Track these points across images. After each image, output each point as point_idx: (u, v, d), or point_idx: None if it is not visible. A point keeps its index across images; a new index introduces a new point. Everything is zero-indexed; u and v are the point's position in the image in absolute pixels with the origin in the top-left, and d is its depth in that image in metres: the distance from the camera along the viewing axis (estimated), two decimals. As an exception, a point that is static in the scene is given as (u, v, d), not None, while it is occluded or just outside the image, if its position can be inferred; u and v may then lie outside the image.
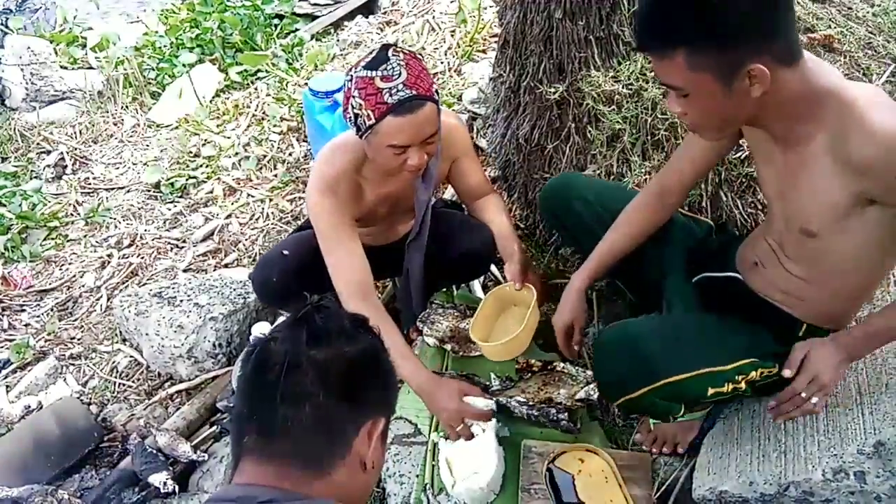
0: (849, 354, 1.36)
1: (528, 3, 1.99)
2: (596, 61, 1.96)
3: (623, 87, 1.91)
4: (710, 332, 1.51)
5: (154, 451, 1.91)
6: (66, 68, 4.25)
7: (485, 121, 2.89)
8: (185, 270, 2.79)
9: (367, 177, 1.76)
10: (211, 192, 3.19)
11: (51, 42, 4.37)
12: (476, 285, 2.29)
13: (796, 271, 1.43)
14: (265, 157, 3.31)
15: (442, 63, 3.47)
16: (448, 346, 1.97)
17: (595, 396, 1.71)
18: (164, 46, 4.23)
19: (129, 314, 2.34)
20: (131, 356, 2.43)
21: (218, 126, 3.58)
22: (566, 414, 1.71)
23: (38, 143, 3.65)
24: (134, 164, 3.46)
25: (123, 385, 2.35)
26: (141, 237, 3.00)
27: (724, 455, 1.57)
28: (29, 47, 4.05)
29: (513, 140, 2.28)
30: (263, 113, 3.59)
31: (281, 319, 2.01)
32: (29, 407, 2.25)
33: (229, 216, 3.03)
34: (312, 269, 1.78)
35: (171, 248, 2.94)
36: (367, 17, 4.42)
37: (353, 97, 1.54)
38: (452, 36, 3.81)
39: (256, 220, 3.00)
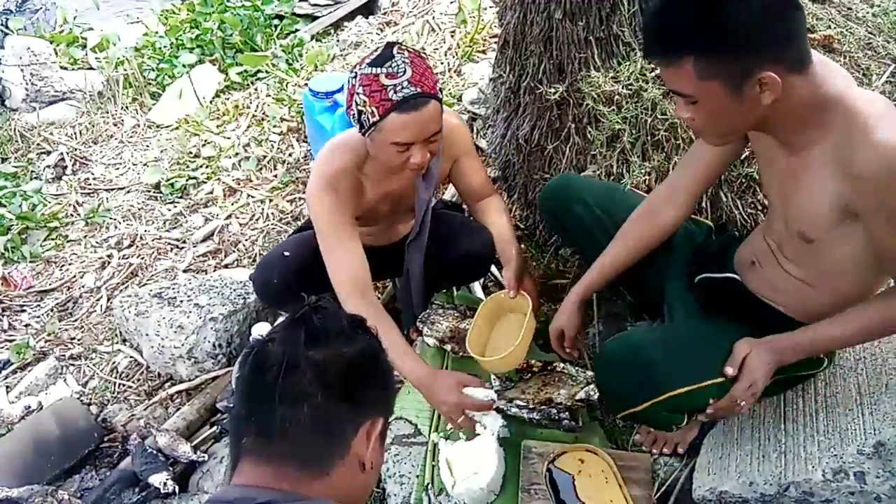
0: (778, 361, 1.38)
1: (528, 3, 1.99)
2: (596, 62, 1.95)
3: (623, 88, 1.91)
4: (711, 342, 1.50)
5: (154, 452, 1.91)
6: (66, 69, 4.25)
7: (485, 121, 2.89)
8: (185, 271, 2.79)
9: (368, 175, 1.76)
10: (211, 192, 3.19)
11: (51, 42, 4.37)
12: (476, 286, 2.29)
13: (794, 272, 1.43)
14: (265, 157, 3.31)
15: (442, 63, 3.48)
16: (448, 347, 1.97)
17: (595, 396, 1.71)
18: (165, 47, 4.23)
19: (130, 315, 2.34)
20: (131, 356, 2.43)
21: (218, 126, 3.59)
22: (567, 413, 1.72)
23: (38, 144, 3.65)
24: (134, 164, 3.46)
25: (123, 385, 2.35)
26: (141, 238, 3.00)
27: (724, 455, 1.57)
28: (29, 48, 4.06)
29: (513, 140, 2.28)
30: (263, 113, 3.59)
31: (280, 320, 2.01)
32: (29, 407, 2.25)
33: (229, 217, 3.03)
34: (313, 271, 1.78)
35: (171, 249, 2.94)
36: (366, 18, 4.42)
37: (358, 94, 1.54)
38: (452, 36, 3.81)
39: (256, 220, 3.00)
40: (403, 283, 2.05)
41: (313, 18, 4.49)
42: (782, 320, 1.49)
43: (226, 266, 2.78)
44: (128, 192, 3.30)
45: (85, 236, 3.07)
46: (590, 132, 1.98)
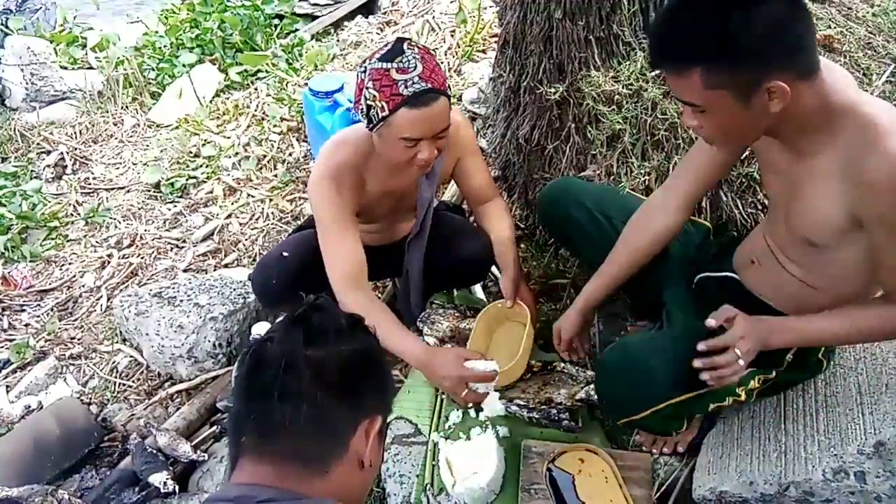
0: (766, 338, 1.36)
1: (528, 3, 1.99)
2: (596, 61, 1.96)
3: (623, 88, 1.91)
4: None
5: (154, 451, 1.91)
6: (66, 68, 4.25)
7: (485, 121, 2.89)
8: (185, 270, 2.79)
9: (371, 171, 1.76)
10: (211, 192, 3.19)
11: (51, 42, 4.37)
12: (476, 287, 2.29)
13: (796, 272, 1.43)
14: (265, 157, 3.31)
15: (442, 63, 3.47)
16: (448, 346, 1.97)
17: (595, 396, 1.71)
18: (164, 46, 4.23)
19: (129, 314, 2.34)
20: (131, 356, 2.43)
21: (218, 126, 3.58)
22: (567, 413, 1.72)
23: (38, 144, 3.65)
24: (134, 164, 3.46)
25: (123, 385, 2.35)
26: (141, 237, 3.00)
27: (724, 455, 1.57)
28: (29, 47, 4.05)
29: (513, 140, 2.28)
30: (263, 113, 3.59)
31: (279, 319, 2.01)
32: (29, 407, 2.25)
33: (229, 216, 3.03)
34: (312, 271, 1.78)
35: (171, 248, 2.94)
36: (366, 18, 4.42)
37: (367, 88, 1.53)
38: (452, 36, 3.82)
39: (256, 220, 3.00)
40: (403, 283, 2.05)
41: (313, 18, 4.49)
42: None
43: (226, 266, 2.78)
44: (128, 191, 3.30)
45: (85, 236, 3.07)
46: (590, 132, 1.98)
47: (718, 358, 1.34)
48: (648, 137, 1.90)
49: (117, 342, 2.49)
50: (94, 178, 3.42)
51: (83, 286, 2.80)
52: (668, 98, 1.87)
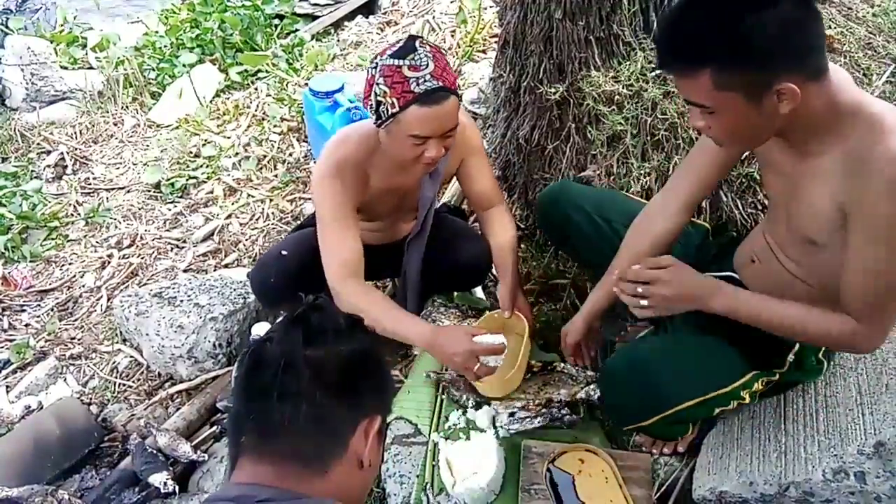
0: (706, 297, 1.39)
1: (528, 3, 1.99)
2: (596, 62, 1.96)
3: (623, 88, 1.91)
4: (714, 352, 1.51)
5: (154, 452, 1.91)
6: (66, 68, 4.25)
7: (485, 121, 2.89)
8: (185, 270, 2.79)
9: (375, 167, 1.76)
10: (211, 192, 3.19)
11: (51, 42, 4.37)
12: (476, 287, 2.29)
13: (795, 271, 1.43)
14: (265, 157, 3.31)
15: (442, 63, 3.47)
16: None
17: (595, 396, 1.71)
18: (165, 46, 4.23)
19: (130, 314, 2.34)
20: (131, 356, 2.43)
21: (218, 126, 3.59)
22: (567, 409, 1.72)
23: (38, 144, 3.65)
24: (134, 164, 3.46)
25: (123, 385, 2.35)
26: (141, 237, 3.00)
27: (724, 455, 1.57)
28: (29, 47, 4.05)
29: (513, 140, 2.28)
30: (264, 113, 3.59)
31: (279, 319, 2.01)
32: (29, 407, 2.25)
33: (229, 216, 3.03)
34: (312, 270, 1.78)
35: (172, 249, 2.94)
36: (367, 18, 4.42)
37: (378, 84, 1.53)
38: (453, 36, 3.82)
39: (257, 220, 3.00)
40: (401, 283, 2.05)
41: (313, 18, 4.49)
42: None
43: (226, 266, 2.78)
44: (128, 191, 3.30)
45: (85, 236, 3.07)
46: (590, 132, 1.98)
47: (626, 285, 1.41)
48: (648, 138, 1.90)
49: (117, 342, 2.49)
50: (94, 179, 3.42)
51: (83, 286, 2.80)
52: (668, 98, 1.87)
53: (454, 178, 2.00)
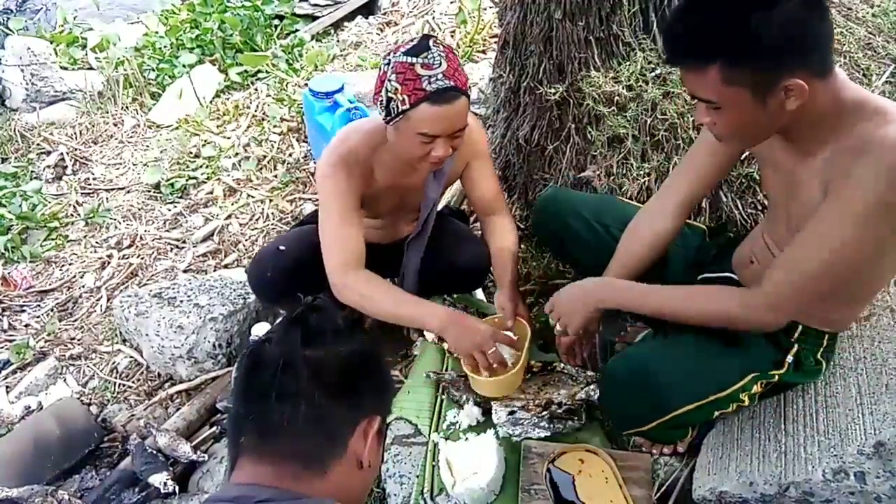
0: (597, 301, 1.54)
1: (528, 3, 2.00)
2: (596, 62, 1.96)
3: (623, 88, 1.91)
4: (713, 355, 1.50)
5: (154, 452, 1.91)
6: (66, 69, 4.25)
7: (485, 121, 2.88)
8: (185, 271, 2.79)
9: (380, 163, 1.76)
10: (211, 192, 3.19)
11: (51, 43, 4.37)
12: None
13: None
14: (265, 157, 3.31)
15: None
16: (446, 345, 1.97)
17: (595, 397, 1.71)
18: (165, 47, 4.23)
19: (129, 315, 2.34)
20: (131, 357, 2.43)
21: (218, 127, 3.59)
22: (568, 414, 1.72)
23: (38, 144, 3.65)
24: (134, 164, 3.46)
25: (123, 385, 2.35)
26: (141, 238, 3.00)
27: (724, 455, 1.57)
28: (29, 48, 4.05)
29: (513, 141, 2.28)
30: (263, 113, 3.59)
31: (279, 320, 2.01)
32: (29, 407, 2.25)
33: (229, 217, 3.03)
34: (309, 265, 1.79)
35: (171, 249, 2.94)
36: (366, 18, 4.43)
37: (390, 81, 1.54)
38: (452, 36, 3.82)
39: (256, 220, 3.00)
40: (400, 283, 2.05)
41: (313, 18, 4.50)
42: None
43: (226, 266, 2.78)
44: (128, 192, 3.30)
45: (85, 236, 3.07)
46: (590, 132, 1.98)
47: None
48: (648, 138, 1.90)
49: (117, 343, 2.49)
50: (94, 179, 3.42)
51: (83, 287, 2.80)
52: (668, 99, 1.87)
53: (456, 180, 2.00)
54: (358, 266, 1.72)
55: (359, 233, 1.74)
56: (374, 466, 0.99)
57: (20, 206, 3.16)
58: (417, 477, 1.71)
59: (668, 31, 1.31)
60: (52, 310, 2.71)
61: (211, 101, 3.80)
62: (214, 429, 2.09)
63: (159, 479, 1.83)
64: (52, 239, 3.07)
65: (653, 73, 1.90)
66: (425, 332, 2.02)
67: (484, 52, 3.65)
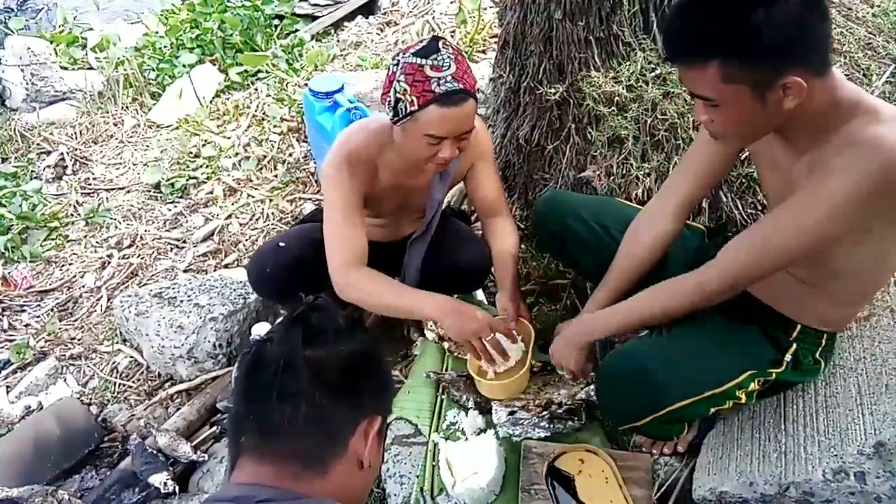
0: (588, 338, 1.59)
1: (528, 3, 2.00)
2: (596, 62, 1.96)
3: (623, 89, 1.91)
4: (710, 352, 1.51)
5: (154, 452, 1.91)
6: (66, 69, 4.25)
7: (485, 121, 2.88)
8: (185, 271, 2.79)
9: (385, 162, 1.76)
10: (211, 192, 3.19)
11: (51, 42, 4.37)
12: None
13: (795, 272, 1.43)
14: (265, 157, 3.31)
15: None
16: (446, 345, 1.97)
17: (595, 396, 1.71)
18: (165, 47, 4.23)
19: (130, 314, 2.34)
20: (131, 356, 2.43)
21: (218, 126, 3.59)
22: (568, 415, 1.72)
23: (38, 144, 3.65)
24: (134, 164, 3.46)
25: (123, 385, 2.35)
26: (141, 238, 3.00)
27: (724, 455, 1.57)
28: (29, 48, 4.05)
29: (513, 141, 2.28)
30: (263, 113, 3.59)
31: (279, 320, 2.01)
32: (29, 407, 2.25)
33: (229, 217, 3.03)
34: (309, 262, 1.79)
35: (172, 249, 2.94)
36: (366, 18, 4.42)
37: (399, 81, 1.54)
38: (452, 36, 3.82)
39: (257, 220, 3.00)
40: (401, 282, 2.05)
41: (313, 18, 4.50)
42: (778, 319, 1.50)
43: (226, 266, 2.78)
44: (128, 192, 3.30)
45: (85, 236, 3.07)
46: (590, 133, 1.98)
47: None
48: (648, 138, 1.90)
49: (117, 342, 2.49)
50: (94, 179, 3.42)
51: (83, 286, 2.80)
52: (668, 99, 1.87)
53: (460, 181, 2.00)
54: (360, 264, 1.73)
55: (361, 232, 1.74)
56: (375, 466, 0.99)
57: (20, 205, 3.16)
58: (417, 477, 1.71)
59: (667, 28, 1.31)
60: (52, 310, 2.71)
61: (211, 101, 3.80)
62: (214, 429, 2.09)
63: (159, 479, 1.83)
64: (53, 239, 3.07)
65: (653, 74, 1.90)
66: (426, 332, 2.03)
67: (484, 52, 3.65)
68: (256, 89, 3.80)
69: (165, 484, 1.82)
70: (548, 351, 1.95)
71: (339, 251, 1.71)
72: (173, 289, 2.39)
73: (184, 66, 3.96)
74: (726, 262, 1.36)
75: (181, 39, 4.21)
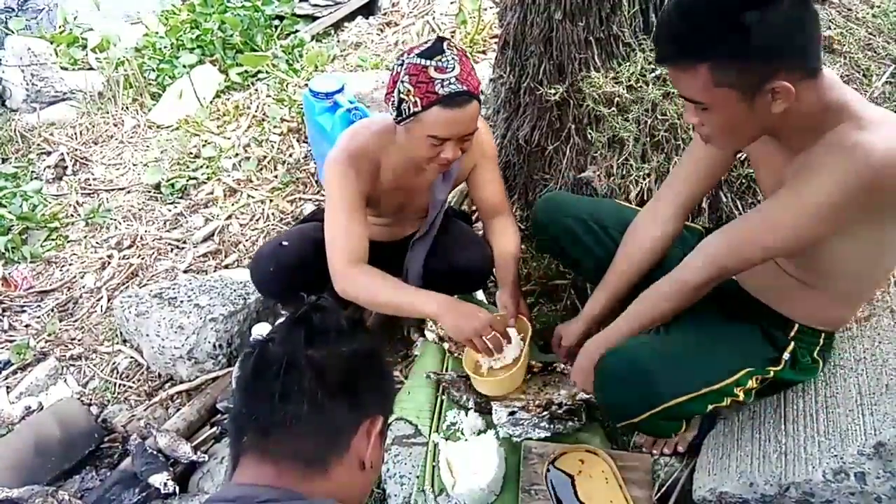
0: (594, 360, 1.56)
1: (528, 3, 2.00)
2: (596, 62, 1.96)
3: (623, 89, 1.91)
4: (708, 348, 1.51)
5: (154, 452, 1.91)
6: (66, 69, 4.25)
7: (485, 121, 2.89)
8: (185, 271, 2.79)
9: (388, 161, 1.77)
10: (211, 192, 3.19)
11: (51, 43, 4.37)
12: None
13: (791, 271, 1.43)
14: (265, 157, 3.31)
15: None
16: (446, 345, 1.97)
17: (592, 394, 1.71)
18: (165, 47, 4.23)
19: (130, 315, 2.34)
20: (132, 357, 2.43)
21: (218, 127, 3.59)
22: (568, 415, 1.72)
23: (38, 144, 3.65)
24: (134, 164, 3.46)
25: (124, 386, 2.35)
26: (141, 238, 3.00)
27: (724, 456, 1.57)
28: (29, 48, 4.05)
29: (513, 141, 2.28)
30: (264, 114, 3.59)
31: (281, 320, 2.01)
32: (29, 408, 2.25)
33: (230, 217, 3.03)
34: (311, 261, 1.80)
35: (172, 249, 2.95)
36: (367, 18, 4.43)
37: (402, 82, 1.54)
38: (452, 37, 3.82)
39: (257, 220, 3.00)
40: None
41: (313, 19, 4.50)
42: (776, 318, 1.50)
43: (226, 266, 2.78)
44: (128, 192, 3.30)
45: (85, 237, 3.07)
46: (590, 133, 1.98)
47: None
48: (648, 139, 1.90)
49: (117, 343, 2.49)
50: (94, 179, 3.42)
51: (83, 287, 2.80)
52: (668, 99, 1.87)
53: (463, 181, 2.01)
54: (361, 262, 1.73)
55: (363, 230, 1.74)
56: (376, 467, 0.99)
57: (20, 206, 3.17)
58: (417, 477, 1.71)
59: (659, 31, 1.32)
60: (52, 310, 2.71)
61: (211, 102, 3.80)
62: (215, 429, 2.10)
63: (159, 480, 1.83)
64: (53, 239, 3.07)
65: (653, 74, 1.90)
66: (426, 332, 2.03)
67: (484, 52, 3.65)
68: (256, 90, 3.80)
69: (165, 484, 1.82)
70: (548, 351, 1.96)
71: (340, 248, 1.71)
72: (173, 289, 2.39)
73: (184, 66, 3.97)
74: (709, 256, 1.39)
75: (181, 40, 4.22)
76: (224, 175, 3.26)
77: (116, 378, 2.38)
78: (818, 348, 1.51)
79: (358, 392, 0.94)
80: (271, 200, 3.07)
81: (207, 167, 3.31)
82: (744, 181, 1.84)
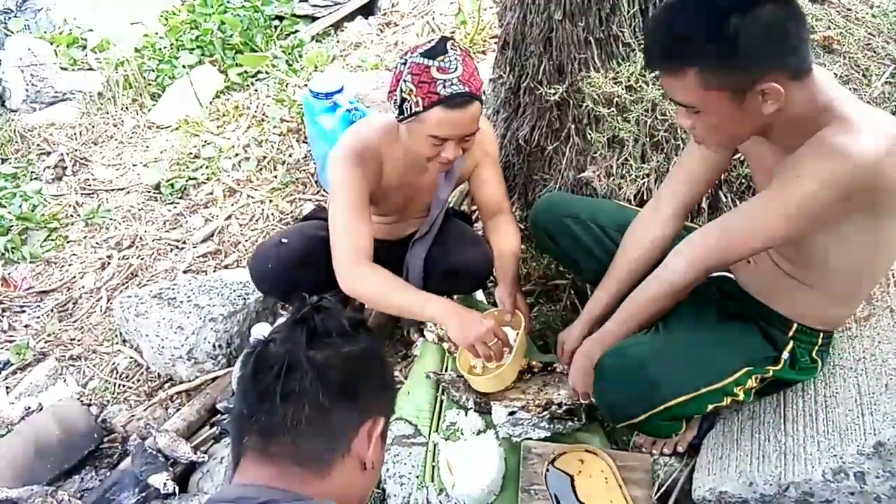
0: (592, 361, 1.56)
1: (528, 3, 1.99)
2: (596, 62, 1.96)
3: (622, 89, 1.91)
4: (707, 348, 1.51)
5: (154, 452, 1.91)
6: (66, 70, 4.25)
7: (487, 121, 2.88)
8: (185, 271, 2.79)
9: (391, 159, 1.77)
10: (211, 193, 3.19)
11: (51, 43, 4.37)
12: (477, 290, 2.29)
13: (789, 270, 1.43)
14: (265, 158, 3.31)
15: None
16: (446, 345, 1.97)
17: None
18: (165, 48, 4.23)
19: (129, 315, 2.34)
20: (131, 357, 2.43)
21: (218, 127, 3.59)
22: (568, 414, 1.72)
23: (38, 145, 3.65)
24: (134, 165, 3.46)
25: (123, 386, 2.35)
26: (141, 238, 3.00)
27: (724, 455, 1.57)
28: (29, 49, 4.06)
29: (513, 141, 2.28)
30: (263, 114, 3.59)
31: (281, 320, 2.01)
32: (29, 408, 2.25)
33: (229, 217, 3.03)
34: (311, 259, 1.80)
35: (171, 250, 2.94)
36: (366, 19, 4.43)
37: (405, 81, 1.55)
38: (452, 37, 3.81)
39: (256, 221, 3.00)
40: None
41: (313, 19, 4.50)
42: (775, 318, 1.50)
43: (226, 267, 2.78)
44: (128, 192, 3.30)
45: (85, 237, 3.07)
46: (590, 133, 1.98)
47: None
48: (648, 139, 1.90)
49: (117, 343, 2.49)
50: (94, 180, 3.42)
51: (83, 287, 2.80)
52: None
53: (465, 181, 2.01)
54: (366, 259, 1.73)
55: (368, 228, 1.74)
56: (377, 468, 0.99)
57: (20, 206, 3.16)
58: (417, 477, 1.71)
59: (647, 36, 1.33)
60: (52, 310, 2.71)
61: (211, 102, 3.80)
62: (214, 429, 2.09)
63: (159, 480, 1.83)
64: (52, 239, 3.07)
65: (652, 74, 1.90)
66: (425, 332, 2.03)
67: (484, 52, 3.65)
68: (256, 90, 3.80)
69: (165, 484, 1.82)
70: (547, 352, 1.97)
71: (346, 245, 1.71)
72: (173, 289, 2.39)
73: (184, 66, 3.97)
74: (693, 258, 1.41)
75: (181, 40, 4.21)
76: (224, 175, 3.26)
77: (116, 378, 2.38)
78: (816, 348, 1.52)
79: (359, 393, 0.94)
80: (271, 201, 3.07)
81: (207, 167, 3.31)
82: (743, 181, 1.85)
